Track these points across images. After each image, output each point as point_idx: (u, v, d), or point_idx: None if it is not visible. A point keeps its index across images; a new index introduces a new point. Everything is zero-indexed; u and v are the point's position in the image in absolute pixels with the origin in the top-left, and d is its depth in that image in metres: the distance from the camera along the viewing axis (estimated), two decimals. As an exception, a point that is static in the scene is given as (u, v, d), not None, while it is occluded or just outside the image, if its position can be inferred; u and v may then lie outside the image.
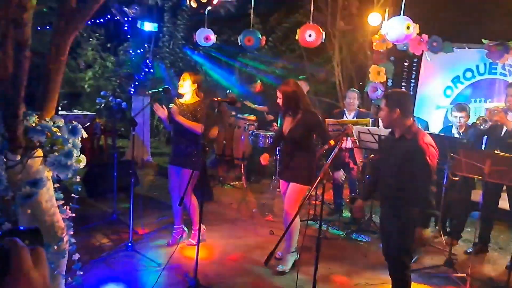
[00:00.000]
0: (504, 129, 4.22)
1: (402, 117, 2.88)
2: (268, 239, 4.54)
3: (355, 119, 5.15)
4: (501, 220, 4.95)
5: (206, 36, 6.45)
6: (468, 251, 4.47)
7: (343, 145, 4.93)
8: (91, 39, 9.19)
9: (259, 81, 6.79)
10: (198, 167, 3.63)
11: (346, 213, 5.44)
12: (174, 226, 4.33)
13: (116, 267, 3.71)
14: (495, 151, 3.86)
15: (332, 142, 3.02)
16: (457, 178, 4.27)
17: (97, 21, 8.60)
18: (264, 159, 4.06)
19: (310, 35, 5.82)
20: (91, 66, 9.34)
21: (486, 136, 4.48)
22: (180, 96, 4.17)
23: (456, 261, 4.14)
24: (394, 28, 4.95)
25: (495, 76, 5.68)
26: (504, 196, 4.46)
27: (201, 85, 4.23)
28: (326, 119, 4.89)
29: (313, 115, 3.82)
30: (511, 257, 3.90)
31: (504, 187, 4.35)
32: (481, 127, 4.20)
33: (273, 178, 6.20)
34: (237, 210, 5.48)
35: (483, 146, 4.48)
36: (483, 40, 5.49)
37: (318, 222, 3.11)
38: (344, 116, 5.28)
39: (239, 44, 6.36)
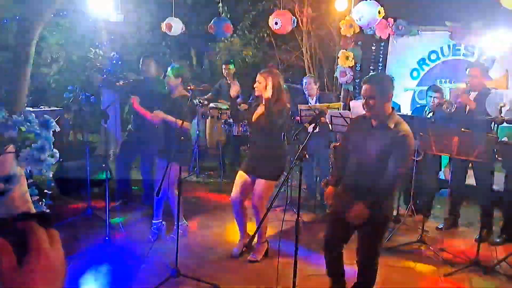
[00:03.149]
0: (468, 108, 4.38)
1: (389, 102, 2.75)
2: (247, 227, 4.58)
3: (317, 102, 5.22)
4: (468, 196, 5.16)
5: (174, 25, 6.35)
6: (439, 227, 4.65)
7: (316, 130, 5.00)
8: (54, 33, 8.87)
9: (232, 66, 6.67)
10: (184, 162, 3.59)
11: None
12: (153, 221, 4.29)
13: (95, 262, 3.66)
14: (462, 129, 4.01)
15: (307, 125, 2.95)
16: (420, 158, 4.43)
17: (61, 13, 8.30)
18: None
19: (276, 23, 5.82)
20: (55, 60, 9.04)
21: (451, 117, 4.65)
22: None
23: (428, 237, 4.30)
24: (367, 13, 5.03)
25: (459, 57, 5.87)
26: (471, 173, 4.65)
27: (186, 76, 4.20)
28: (298, 105, 4.95)
29: (283, 103, 3.70)
30: (479, 230, 4.10)
31: (470, 164, 4.53)
32: (448, 110, 4.34)
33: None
34: (214, 200, 5.49)
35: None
36: (447, 22, 5.65)
37: (292, 205, 3.20)
38: (308, 102, 5.34)
39: (212, 32, 6.29)
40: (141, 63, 4.92)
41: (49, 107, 7.48)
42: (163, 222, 4.33)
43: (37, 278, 0.61)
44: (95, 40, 8.21)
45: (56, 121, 4.81)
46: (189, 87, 4.00)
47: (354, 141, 2.91)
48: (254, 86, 3.69)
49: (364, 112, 2.90)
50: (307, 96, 5.37)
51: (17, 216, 0.65)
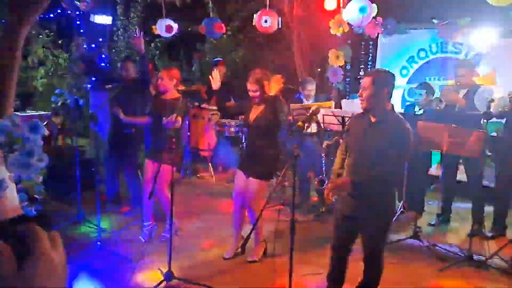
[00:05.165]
0: (458, 105, 4.41)
1: (386, 99, 2.72)
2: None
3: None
4: (459, 192, 5.20)
5: (168, 27, 6.31)
6: (432, 223, 4.68)
7: (309, 130, 5.00)
8: (41, 36, 8.78)
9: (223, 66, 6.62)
10: (175, 162, 3.58)
11: (313, 192, 5.48)
12: (144, 223, 4.26)
13: (87, 267, 3.61)
14: (452, 125, 4.04)
15: (300, 124, 2.93)
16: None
17: (47, 16, 8.21)
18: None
19: (266, 21, 5.81)
20: (42, 64, 8.94)
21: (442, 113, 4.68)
22: (161, 93, 4.14)
23: (421, 233, 4.32)
24: (355, 11, 5.09)
25: (446, 55, 5.92)
26: (461, 168, 4.69)
27: (180, 78, 4.21)
28: (291, 104, 4.94)
29: (281, 102, 3.72)
30: (471, 225, 4.13)
31: (461, 160, 4.56)
32: (437, 107, 4.37)
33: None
34: (207, 202, 5.46)
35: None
36: (434, 20, 5.69)
37: (287, 206, 3.19)
38: (303, 102, 5.33)
39: (203, 33, 6.26)
40: (120, 66, 4.90)
41: (37, 111, 7.38)
42: (155, 224, 4.30)
43: (40, 281, 0.59)
44: (82, 43, 8.11)
45: (44, 125, 4.73)
46: (179, 88, 3.98)
47: (354, 139, 2.89)
48: (250, 94, 3.70)
49: (357, 110, 2.88)
50: (302, 97, 5.37)
51: (17, 219, 0.63)
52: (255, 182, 3.70)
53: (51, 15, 8.23)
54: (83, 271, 3.53)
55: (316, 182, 5.10)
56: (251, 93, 3.68)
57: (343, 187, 2.80)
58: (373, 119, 2.76)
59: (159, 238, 4.20)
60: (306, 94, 5.28)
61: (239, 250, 3.90)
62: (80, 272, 3.52)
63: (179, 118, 3.81)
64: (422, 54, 6.09)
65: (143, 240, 4.17)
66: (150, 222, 4.27)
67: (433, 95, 4.86)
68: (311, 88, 5.27)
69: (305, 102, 5.33)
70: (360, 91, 2.79)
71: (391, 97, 2.79)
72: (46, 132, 2.17)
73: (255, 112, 3.75)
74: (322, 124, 4.81)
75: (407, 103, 5.90)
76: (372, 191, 2.72)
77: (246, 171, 3.80)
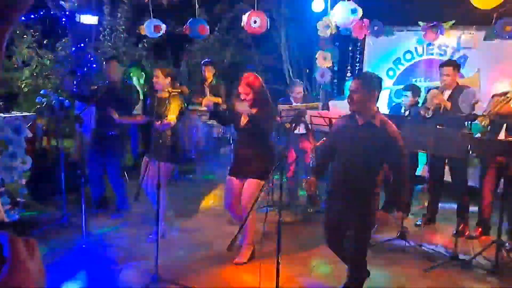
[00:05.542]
0: (443, 106, 4.46)
1: (373, 102, 2.78)
2: (227, 229, 4.55)
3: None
4: (445, 192, 5.26)
5: (155, 27, 6.27)
6: (418, 223, 4.73)
7: (296, 131, 5.03)
8: (25, 36, 8.64)
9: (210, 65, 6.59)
10: (176, 160, 4.00)
11: (303, 191, 5.48)
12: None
13: (72, 270, 3.56)
14: (437, 126, 4.10)
15: (287, 125, 2.98)
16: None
17: (32, 16, 8.09)
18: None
19: (255, 21, 5.82)
20: (27, 65, 8.80)
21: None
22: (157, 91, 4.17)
23: (408, 233, 4.36)
24: (342, 13, 5.13)
25: (432, 57, 5.99)
26: (448, 169, 4.74)
27: (175, 77, 4.32)
28: (279, 105, 4.94)
29: (271, 106, 3.79)
30: (456, 225, 4.19)
31: (446, 160, 4.61)
32: (426, 115, 4.40)
33: (228, 168, 6.16)
34: (193, 204, 5.43)
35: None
36: (420, 23, 5.76)
37: (273, 207, 3.20)
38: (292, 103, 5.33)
39: (187, 34, 6.24)
40: (104, 65, 4.85)
41: (21, 112, 7.26)
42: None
43: None
44: (68, 43, 8.02)
45: (29, 127, 4.68)
46: (167, 90, 3.96)
47: (341, 140, 2.93)
48: (242, 97, 3.69)
49: (344, 112, 2.94)
50: (291, 99, 5.36)
51: None
52: (254, 182, 3.66)
53: (36, 15, 8.11)
54: (68, 275, 3.49)
55: (303, 183, 5.11)
56: (243, 96, 3.69)
57: (309, 187, 3.15)
58: (360, 122, 2.82)
59: (147, 240, 4.17)
60: (294, 97, 5.28)
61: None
62: (64, 276, 3.47)
63: (173, 118, 3.88)
64: (408, 56, 6.15)
65: (152, 237, 4.15)
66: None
67: (419, 97, 4.93)
68: (299, 90, 5.28)
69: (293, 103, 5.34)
70: (349, 93, 2.84)
71: (378, 100, 2.84)
72: (30, 134, 2.14)
73: (246, 116, 3.73)
74: (310, 125, 4.82)
75: (393, 104, 5.96)
76: (357, 192, 2.79)
77: (240, 174, 3.77)
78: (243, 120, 3.75)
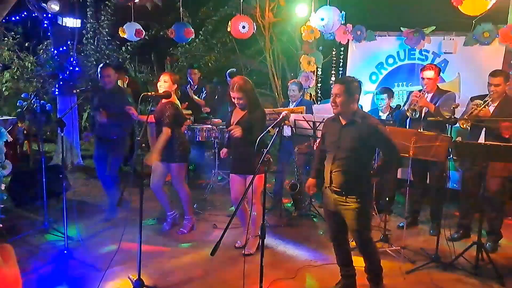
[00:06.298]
0: (425, 109, 4.53)
1: (355, 103, 3.02)
2: (211, 233, 4.54)
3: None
4: (427, 195, 5.33)
5: (137, 31, 6.24)
6: (400, 225, 4.78)
7: (288, 134, 5.06)
8: (6, 38, 8.51)
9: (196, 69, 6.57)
10: (183, 159, 4.29)
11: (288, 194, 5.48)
12: (167, 213, 4.63)
13: (53, 277, 3.50)
14: (419, 130, 4.17)
15: (271, 130, 3.10)
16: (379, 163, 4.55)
17: (13, 18, 7.96)
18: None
19: (243, 27, 5.86)
20: (8, 67, 8.65)
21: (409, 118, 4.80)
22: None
23: (391, 235, 4.41)
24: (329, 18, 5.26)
25: (414, 61, 6.08)
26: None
27: (179, 83, 4.48)
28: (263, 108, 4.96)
29: (261, 111, 3.91)
30: (433, 224, 4.26)
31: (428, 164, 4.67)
32: (412, 115, 4.48)
33: (213, 171, 6.16)
34: (178, 207, 5.39)
35: (407, 126, 4.78)
36: (402, 28, 5.86)
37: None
38: (289, 106, 5.38)
39: (172, 37, 6.23)
40: (99, 72, 4.77)
41: (1, 116, 7.13)
42: (177, 213, 4.67)
43: None
44: (50, 46, 7.92)
45: (9, 131, 4.59)
46: (150, 93, 3.95)
47: (330, 140, 3.18)
48: (235, 102, 3.85)
49: (329, 115, 3.16)
50: (290, 101, 5.40)
51: None
52: (258, 178, 3.68)
53: (17, 17, 7.98)
54: (50, 281, 3.43)
55: (288, 187, 5.14)
56: (236, 101, 3.84)
57: (309, 187, 3.41)
58: (343, 122, 3.07)
59: (178, 232, 4.50)
60: (290, 95, 5.35)
61: (240, 244, 4.12)
62: (45, 283, 3.41)
63: (167, 130, 4.11)
64: (391, 60, 6.23)
65: (167, 228, 4.56)
66: (173, 211, 4.65)
67: (393, 97, 5.05)
68: (294, 88, 5.33)
69: (290, 105, 5.38)
70: (332, 97, 3.06)
71: (358, 101, 3.10)
72: (10, 139, 2.10)
73: (237, 116, 3.91)
74: (294, 129, 4.85)
75: (374, 107, 6.02)
76: (349, 186, 3.03)
77: (239, 171, 3.94)
78: (234, 120, 3.90)
